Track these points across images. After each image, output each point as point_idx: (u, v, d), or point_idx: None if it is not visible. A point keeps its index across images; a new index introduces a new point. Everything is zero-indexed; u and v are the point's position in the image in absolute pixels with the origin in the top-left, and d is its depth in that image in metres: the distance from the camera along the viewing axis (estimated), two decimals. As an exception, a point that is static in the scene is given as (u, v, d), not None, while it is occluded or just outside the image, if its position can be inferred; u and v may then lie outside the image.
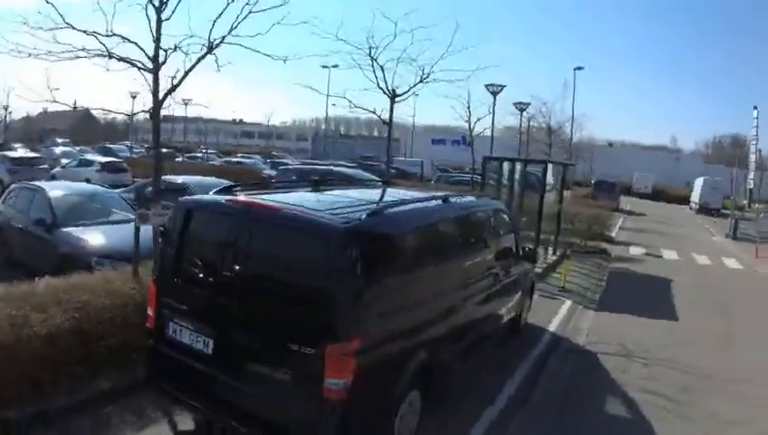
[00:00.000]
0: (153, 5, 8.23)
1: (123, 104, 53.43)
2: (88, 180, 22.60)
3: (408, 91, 14.93)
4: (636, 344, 9.98)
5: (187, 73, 8.22)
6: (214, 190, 6.10)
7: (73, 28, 8.19)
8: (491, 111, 24.38)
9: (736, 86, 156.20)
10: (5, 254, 11.61)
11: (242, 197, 5.70)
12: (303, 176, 19.05)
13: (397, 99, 14.38)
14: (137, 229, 8.16)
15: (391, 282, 5.35)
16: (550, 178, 17.37)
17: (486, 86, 22.96)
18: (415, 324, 5.69)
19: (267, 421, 5.01)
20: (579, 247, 20.30)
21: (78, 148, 46.68)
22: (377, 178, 15.68)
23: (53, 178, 24.12)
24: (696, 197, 48.50)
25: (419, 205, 6.54)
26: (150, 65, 8.22)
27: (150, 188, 9.63)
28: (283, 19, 9.00)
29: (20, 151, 32.81)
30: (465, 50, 16.41)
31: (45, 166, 27.47)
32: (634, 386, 8.21)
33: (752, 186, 46.43)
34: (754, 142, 47.54)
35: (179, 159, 45.26)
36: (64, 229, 10.41)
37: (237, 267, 5.33)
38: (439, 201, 7.08)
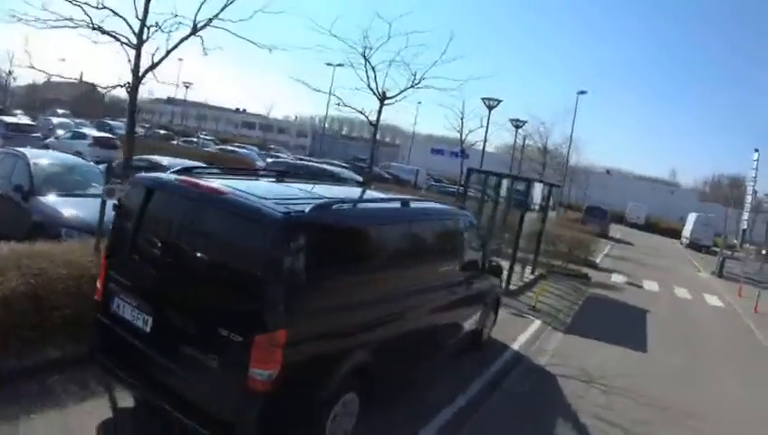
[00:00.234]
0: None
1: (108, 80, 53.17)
2: (79, 153, 22.45)
3: (399, 94, 14.91)
4: (598, 371, 9.87)
5: (168, 53, 8.22)
6: (172, 170, 6.01)
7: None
8: (483, 123, 24.40)
9: (741, 128, 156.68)
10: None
11: (193, 178, 5.60)
12: (291, 169, 18.99)
13: (386, 102, 14.35)
14: (103, 203, 8.06)
15: (331, 278, 5.24)
16: (537, 198, 17.32)
17: (483, 99, 22.96)
18: (354, 324, 5.59)
19: (196, 407, 4.90)
20: (559, 269, 20.21)
21: (77, 120, 46.50)
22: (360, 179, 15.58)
23: (46, 147, 23.99)
24: (687, 232, 48.81)
25: (372, 204, 6.44)
26: (135, 41, 8.17)
27: (117, 163, 9.54)
28: (265, 6, 8.96)
29: (16, 118, 32.63)
30: (460, 59, 16.41)
31: (39, 134, 27.29)
32: (588, 412, 8.10)
33: (745, 226, 46.57)
34: (752, 184, 47.69)
35: (174, 142, 45.14)
36: (40, 198, 10.31)
37: (180, 247, 5.27)
38: (397, 204, 6.98)
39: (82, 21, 8.10)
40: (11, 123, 26.61)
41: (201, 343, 4.87)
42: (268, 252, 4.68)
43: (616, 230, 45.94)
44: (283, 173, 7.29)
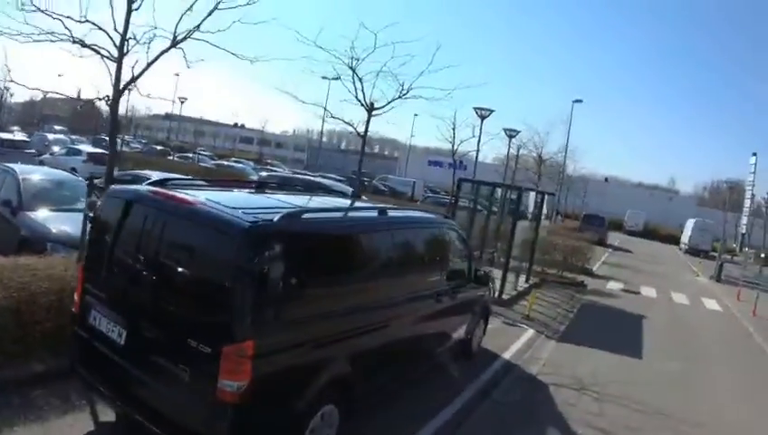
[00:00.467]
0: (124, -5, 8.17)
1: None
2: (74, 169, 22.53)
3: (386, 105, 14.87)
4: (591, 378, 9.76)
5: (148, 66, 8.19)
6: (147, 182, 5.97)
7: (43, 12, 8.14)
8: (475, 133, 24.39)
9: (740, 133, 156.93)
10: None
11: (165, 190, 5.55)
12: (285, 182, 18.96)
13: (374, 112, 14.31)
14: (85, 217, 8.04)
15: (303, 287, 5.16)
16: (530, 206, 17.26)
17: (475, 109, 22.91)
18: (331, 335, 5.49)
19: (169, 420, 4.84)
20: (554, 278, 20.11)
21: (73, 136, 46.64)
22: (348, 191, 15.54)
23: (41, 163, 24.12)
24: (685, 238, 48.82)
25: (345, 213, 6.36)
26: (116, 54, 8.14)
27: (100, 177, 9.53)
28: (243, 17, 8.93)
29: (10, 134, 32.73)
30: (450, 68, 16.39)
31: (33, 151, 27.39)
32: (580, 420, 8.00)
33: (744, 230, 46.50)
34: (750, 188, 47.65)
35: (171, 158, 45.25)
36: (28, 213, 10.39)
37: (152, 258, 5.21)
38: (374, 212, 6.89)
39: (63, 34, 8.03)
40: (5, 140, 26.74)
41: (172, 355, 4.81)
42: (235, 261, 4.62)
43: (614, 238, 45.90)
44: (262, 184, 7.24)
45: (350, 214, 6.52)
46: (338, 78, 15.78)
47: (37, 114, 75.53)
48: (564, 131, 41.44)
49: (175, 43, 8.15)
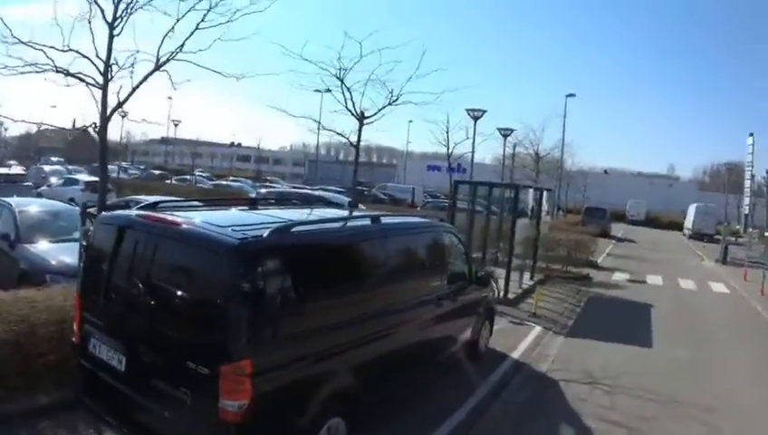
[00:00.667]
0: (106, 21, 8.17)
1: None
2: (72, 199, 22.60)
3: (377, 113, 14.89)
4: (602, 371, 9.69)
5: (134, 90, 8.18)
6: (137, 206, 5.95)
7: (24, 44, 8.14)
8: (469, 135, 24.36)
9: (734, 115, 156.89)
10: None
11: (153, 213, 5.53)
12: (282, 197, 18.97)
13: (365, 121, 14.31)
14: (81, 246, 8.02)
15: (299, 301, 5.12)
16: (529, 204, 17.20)
17: (467, 110, 22.86)
18: (330, 347, 5.44)
19: None
20: (559, 273, 20.04)
21: (70, 166, 46.71)
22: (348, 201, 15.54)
23: (39, 196, 24.15)
24: (689, 223, 48.73)
25: (338, 223, 6.32)
26: (101, 80, 8.13)
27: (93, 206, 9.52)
28: (224, 35, 8.92)
29: (7, 168, 32.84)
30: (439, 72, 16.43)
31: (30, 183, 27.44)
32: (592, 415, 7.93)
33: (746, 211, 46.43)
34: (749, 168, 47.59)
35: (168, 181, 45.35)
36: (26, 245, 10.43)
37: (144, 282, 5.19)
38: (367, 221, 6.85)
39: (47, 65, 8.03)
40: (1, 174, 26.77)
41: (173, 378, 4.79)
42: (227, 280, 4.60)
43: (617, 229, 45.76)
44: (255, 201, 7.21)
45: (343, 224, 6.47)
46: (329, 90, 15.86)
47: (33, 147, 75.70)
48: (559, 126, 41.48)
49: (158, 66, 8.15)
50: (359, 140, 15.01)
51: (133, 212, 5.72)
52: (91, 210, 9.20)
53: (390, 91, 14.97)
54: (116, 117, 8.73)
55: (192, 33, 8.32)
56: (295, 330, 5.02)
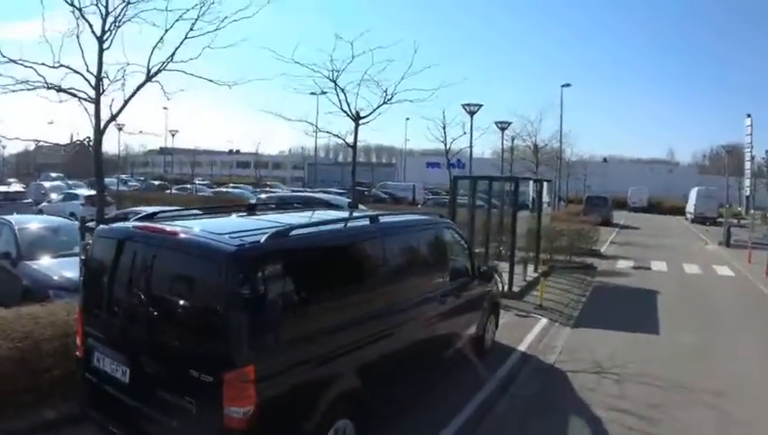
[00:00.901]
0: (95, 35, 8.16)
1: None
2: (73, 214, 22.64)
3: (372, 112, 14.87)
4: (609, 360, 9.68)
5: (126, 102, 8.16)
6: (135, 217, 5.95)
7: (14, 62, 8.14)
8: (465, 130, 24.33)
9: (731, 97, 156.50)
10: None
11: (150, 223, 5.53)
12: (282, 202, 18.94)
13: (361, 121, 14.29)
14: (81, 261, 8.01)
15: (300, 305, 5.11)
16: (529, 196, 17.17)
17: (463, 105, 22.77)
18: (334, 349, 5.43)
19: None
20: (563, 264, 20.00)
21: (70, 181, 46.77)
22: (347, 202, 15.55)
23: (40, 212, 24.25)
24: (690, 207, 48.59)
25: (337, 225, 6.31)
26: (93, 94, 8.13)
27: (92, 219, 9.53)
28: (212, 42, 8.91)
29: (6, 187, 32.91)
30: (433, 68, 16.39)
31: (30, 200, 27.52)
32: (601, 404, 7.91)
33: (748, 193, 46.30)
34: (748, 150, 47.46)
35: (169, 191, 45.44)
36: (28, 262, 10.48)
37: (144, 293, 5.20)
38: (366, 221, 6.84)
39: (38, 81, 8.03)
40: (0, 193, 26.83)
41: (177, 388, 4.80)
42: (226, 287, 4.59)
43: (619, 217, 45.68)
44: (253, 206, 7.20)
45: (342, 225, 6.45)
46: (324, 93, 15.85)
47: (32, 164, 75.90)
48: (556, 116, 41.41)
49: (150, 77, 8.16)
50: (355, 141, 15.01)
51: (130, 224, 5.73)
52: (90, 224, 9.20)
53: (385, 90, 15.01)
54: (113, 130, 8.79)
55: (181, 43, 8.33)
56: (298, 333, 5.01)
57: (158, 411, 4.95)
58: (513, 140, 38.07)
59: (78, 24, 8.25)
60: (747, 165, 46.24)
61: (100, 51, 8.16)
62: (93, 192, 31.74)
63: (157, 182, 59.86)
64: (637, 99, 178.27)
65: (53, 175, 59.50)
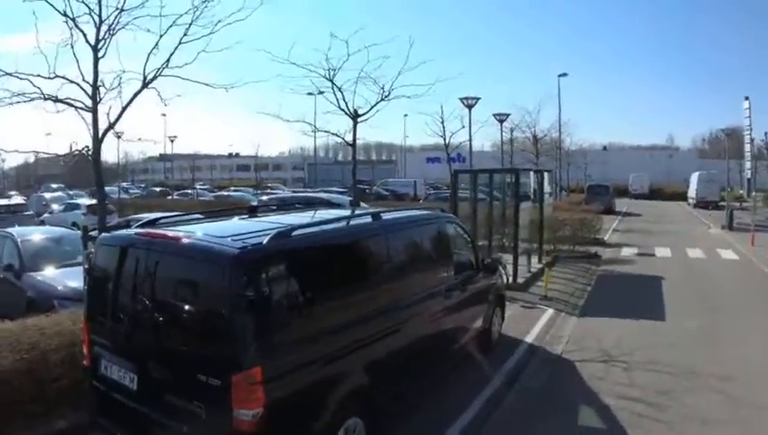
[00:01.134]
0: (89, 44, 8.16)
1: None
2: (74, 224, 22.69)
3: (370, 110, 14.88)
4: (617, 348, 9.68)
5: (123, 110, 8.18)
6: (136, 224, 5.96)
7: (9, 75, 8.15)
8: (464, 123, 24.30)
9: (729, 81, 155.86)
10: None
11: (151, 229, 5.54)
12: (283, 203, 18.98)
13: (359, 119, 14.30)
14: (85, 270, 8.02)
15: (305, 305, 5.11)
16: (531, 186, 17.16)
17: (461, 99, 22.76)
18: (341, 348, 5.44)
19: None
20: (567, 253, 19.99)
21: (71, 192, 46.87)
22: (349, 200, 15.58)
23: (42, 223, 24.32)
24: (692, 192, 48.58)
25: (338, 224, 6.31)
26: (90, 103, 8.13)
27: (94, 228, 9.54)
28: (207, 47, 8.92)
29: (7, 199, 32.99)
30: (429, 64, 16.41)
31: (31, 212, 27.58)
32: (609, 392, 7.91)
33: (749, 176, 46.26)
34: (748, 132, 47.40)
35: (170, 197, 45.56)
36: (31, 274, 10.52)
37: (149, 299, 5.21)
38: (368, 218, 6.83)
39: (34, 93, 8.04)
40: (1, 205, 26.92)
41: (185, 392, 4.81)
42: (230, 289, 4.59)
43: (621, 204, 45.67)
44: (255, 208, 7.21)
45: (344, 223, 6.46)
46: (321, 92, 15.86)
47: (32, 176, 76.11)
48: (554, 106, 41.39)
49: (146, 84, 8.17)
50: (354, 139, 15.02)
51: (132, 231, 5.74)
52: (93, 233, 9.21)
53: (382, 87, 15.03)
54: (112, 138, 8.82)
55: (176, 48, 8.33)
56: (304, 333, 5.02)
57: (168, 417, 4.95)
58: (512, 131, 38.08)
59: (72, 34, 8.28)
60: (747, 147, 46.15)
61: (96, 59, 8.17)
62: (94, 201, 31.90)
63: (158, 189, 59.97)
64: (634, 86, 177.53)
65: (54, 186, 59.66)
